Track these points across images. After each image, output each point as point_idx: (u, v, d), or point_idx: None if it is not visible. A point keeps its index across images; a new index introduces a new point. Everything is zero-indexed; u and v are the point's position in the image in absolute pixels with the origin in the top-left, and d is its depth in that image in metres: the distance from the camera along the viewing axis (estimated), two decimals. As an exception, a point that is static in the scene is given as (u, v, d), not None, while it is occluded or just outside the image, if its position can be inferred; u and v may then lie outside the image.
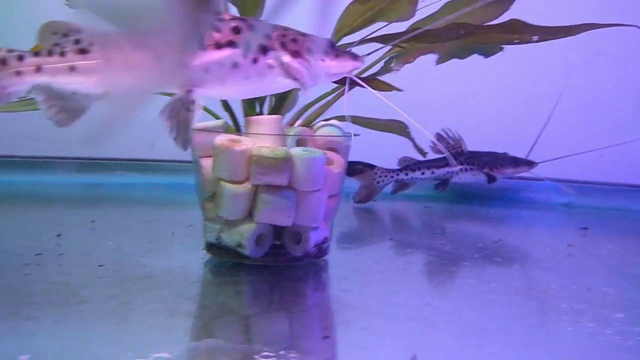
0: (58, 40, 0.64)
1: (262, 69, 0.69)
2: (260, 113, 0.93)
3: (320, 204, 0.85)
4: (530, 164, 1.65)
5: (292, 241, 0.88)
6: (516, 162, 1.65)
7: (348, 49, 0.80)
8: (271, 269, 0.84)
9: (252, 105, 0.92)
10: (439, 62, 1.06)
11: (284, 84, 0.72)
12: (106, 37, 0.55)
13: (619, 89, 1.69)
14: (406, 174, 1.62)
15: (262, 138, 0.85)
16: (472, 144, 1.61)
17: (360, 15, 0.95)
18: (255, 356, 0.53)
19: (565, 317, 0.69)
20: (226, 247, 0.86)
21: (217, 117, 0.91)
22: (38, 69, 0.64)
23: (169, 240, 0.99)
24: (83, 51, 0.64)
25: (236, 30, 0.68)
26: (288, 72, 0.70)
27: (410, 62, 1.03)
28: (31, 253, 0.85)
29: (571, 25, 0.81)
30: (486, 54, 1.09)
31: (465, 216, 1.49)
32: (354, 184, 1.53)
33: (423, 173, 1.62)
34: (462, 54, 1.08)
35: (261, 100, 0.93)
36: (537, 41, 0.79)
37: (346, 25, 0.95)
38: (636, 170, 1.69)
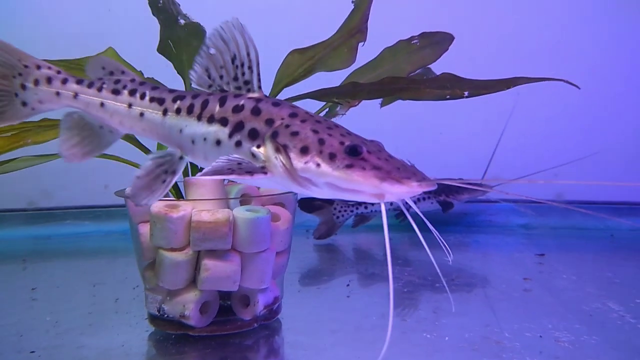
0: (102, 75, 0.69)
1: (242, 154, 0.60)
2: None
3: (268, 265, 0.82)
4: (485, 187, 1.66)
5: (240, 304, 0.85)
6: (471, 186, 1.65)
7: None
8: (219, 338, 0.80)
9: (195, 165, 0.89)
10: (382, 104, 1.05)
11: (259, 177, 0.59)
12: (142, 88, 0.67)
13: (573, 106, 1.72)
14: (366, 207, 1.60)
15: (202, 199, 0.81)
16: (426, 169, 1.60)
17: (300, 65, 0.93)
18: None
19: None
20: (169, 319, 0.81)
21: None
22: (75, 96, 0.68)
23: (112, 309, 0.94)
24: (115, 92, 0.68)
25: (237, 109, 0.61)
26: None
27: (356, 106, 1.02)
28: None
29: (504, 79, 0.79)
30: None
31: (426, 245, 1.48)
32: (314, 217, 1.51)
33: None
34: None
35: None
36: (468, 96, 0.78)
37: (286, 76, 0.93)
38: (589, 187, 1.73)
